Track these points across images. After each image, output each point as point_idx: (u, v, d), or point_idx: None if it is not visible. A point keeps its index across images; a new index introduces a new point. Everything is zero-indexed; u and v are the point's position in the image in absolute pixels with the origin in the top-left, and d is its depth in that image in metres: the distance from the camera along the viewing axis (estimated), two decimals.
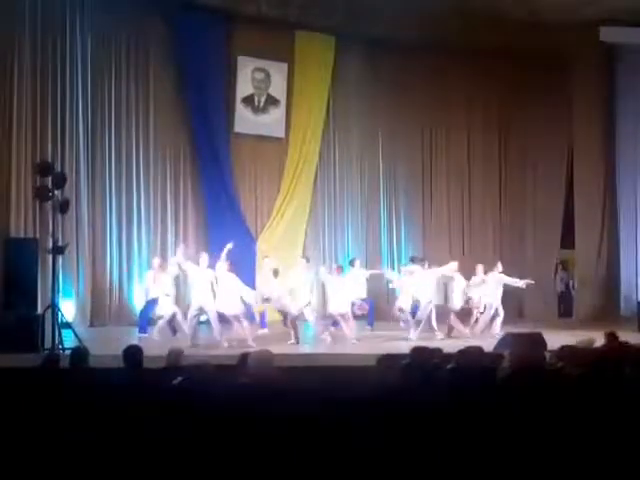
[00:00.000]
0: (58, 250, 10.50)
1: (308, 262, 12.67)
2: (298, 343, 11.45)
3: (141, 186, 14.47)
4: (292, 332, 11.51)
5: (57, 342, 9.74)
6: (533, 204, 17.31)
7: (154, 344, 9.87)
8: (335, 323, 11.85)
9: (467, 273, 13.06)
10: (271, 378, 4.91)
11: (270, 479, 3.59)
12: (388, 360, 5.88)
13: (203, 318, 11.10)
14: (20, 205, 12.94)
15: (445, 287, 12.68)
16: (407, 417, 4.02)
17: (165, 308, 11.67)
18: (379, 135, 16.64)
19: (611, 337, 7.66)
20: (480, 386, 4.81)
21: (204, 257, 11.04)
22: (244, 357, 5.46)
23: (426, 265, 12.67)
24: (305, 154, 15.85)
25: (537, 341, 9.41)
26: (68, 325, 10.48)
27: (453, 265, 12.59)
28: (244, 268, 12.78)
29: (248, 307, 11.49)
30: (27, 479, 3.60)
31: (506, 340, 10.03)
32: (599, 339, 7.54)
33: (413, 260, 13.04)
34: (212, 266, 10.92)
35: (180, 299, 12.66)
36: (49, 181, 10.44)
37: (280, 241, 15.25)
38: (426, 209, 17.15)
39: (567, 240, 16.89)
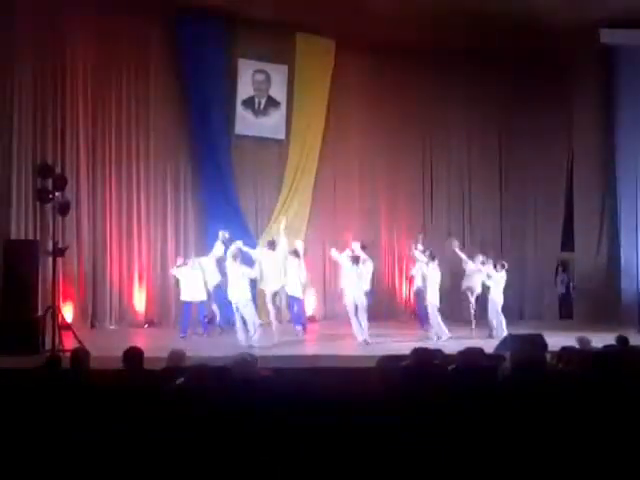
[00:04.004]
0: (58, 252, 10.50)
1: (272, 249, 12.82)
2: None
3: (141, 188, 14.47)
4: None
5: (57, 344, 9.74)
6: (533, 206, 17.31)
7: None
8: None
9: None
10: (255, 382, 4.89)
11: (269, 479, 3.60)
12: (388, 361, 5.89)
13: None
14: (20, 207, 12.95)
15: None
16: (407, 418, 4.02)
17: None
18: (379, 136, 16.63)
19: (621, 341, 7.67)
20: (481, 387, 4.80)
21: None
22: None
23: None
24: (305, 156, 15.86)
25: (538, 342, 9.42)
26: (68, 327, 10.48)
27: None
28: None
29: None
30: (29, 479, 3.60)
31: (507, 341, 10.05)
32: (598, 341, 7.54)
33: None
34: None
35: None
36: (49, 183, 10.45)
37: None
38: (426, 210, 17.16)
39: (567, 242, 16.91)
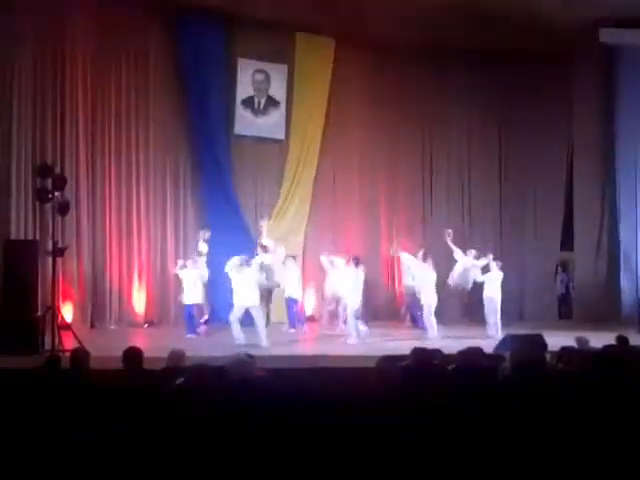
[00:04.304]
0: (58, 252, 10.49)
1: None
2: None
3: (141, 188, 14.48)
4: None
5: (57, 344, 9.73)
6: (533, 206, 17.32)
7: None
8: None
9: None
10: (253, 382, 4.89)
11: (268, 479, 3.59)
12: (388, 361, 5.89)
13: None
14: (20, 207, 12.94)
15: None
16: (407, 418, 4.02)
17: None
18: (379, 136, 16.63)
19: (621, 341, 7.67)
20: (480, 387, 4.80)
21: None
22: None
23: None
24: (305, 156, 15.86)
25: (537, 342, 9.41)
26: (68, 327, 10.47)
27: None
28: None
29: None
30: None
31: (506, 341, 10.03)
32: (598, 340, 7.54)
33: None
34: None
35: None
36: (49, 183, 10.44)
37: (280, 243, 15.22)
38: (426, 210, 17.16)
39: (567, 241, 16.91)
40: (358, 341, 11.62)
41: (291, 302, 13.78)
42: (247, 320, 11.24)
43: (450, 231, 13.90)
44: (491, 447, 3.83)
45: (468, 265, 13.33)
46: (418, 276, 12.91)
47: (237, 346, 10.39)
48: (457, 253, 13.53)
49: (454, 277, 13.44)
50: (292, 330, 13.36)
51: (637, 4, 13.65)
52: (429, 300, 12.41)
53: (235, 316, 11.10)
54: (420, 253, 13.15)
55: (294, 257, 14.19)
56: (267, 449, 3.64)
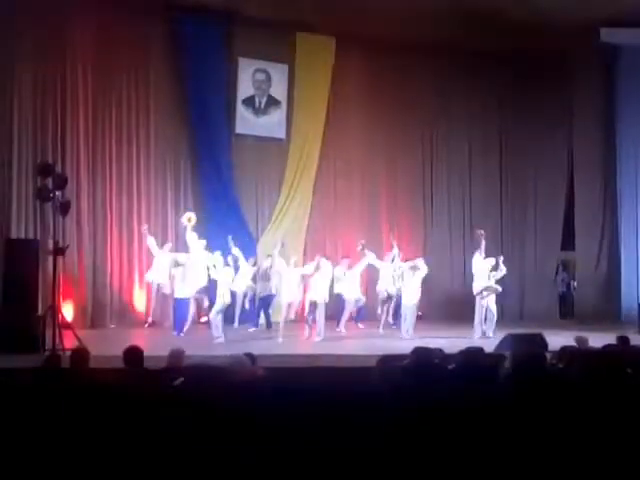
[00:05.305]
0: (59, 251, 10.49)
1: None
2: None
3: (142, 187, 14.48)
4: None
5: (57, 343, 9.73)
6: (534, 205, 17.33)
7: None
8: None
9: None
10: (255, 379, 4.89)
11: (269, 478, 3.59)
12: (389, 361, 5.88)
13: None
14: (21, 206, 12.96)
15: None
16: (407, 418, 4.02)
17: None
18: (379, 136, 16.63)
19: (622, 340, 7.67)
20: (480, 387, 4.80)
21: None
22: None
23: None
24: (306, 155, 15.86)
25: (538, 342, 9.42)
26: (68, 326, 10.47)
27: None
28: None
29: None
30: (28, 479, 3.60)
31: (507, 341, 10.04)
32: (598, 340, 7.54)
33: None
34: None
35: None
36: (50, 182, 10.44)
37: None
38: (427, 210, 17.16)
39: (568, 241, 16.91)
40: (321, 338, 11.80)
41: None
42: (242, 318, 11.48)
43: (483, 232, 12.93)
44: (491, 447, 3.83)
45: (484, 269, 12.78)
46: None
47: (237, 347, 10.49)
48: (478, 255, 12.70)
49: (483, 284, 12.56)
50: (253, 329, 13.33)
51: (637, 4, 13.65)
52: (412, 300, 12.43)
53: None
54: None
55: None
56: (267, 448, 3.64)
